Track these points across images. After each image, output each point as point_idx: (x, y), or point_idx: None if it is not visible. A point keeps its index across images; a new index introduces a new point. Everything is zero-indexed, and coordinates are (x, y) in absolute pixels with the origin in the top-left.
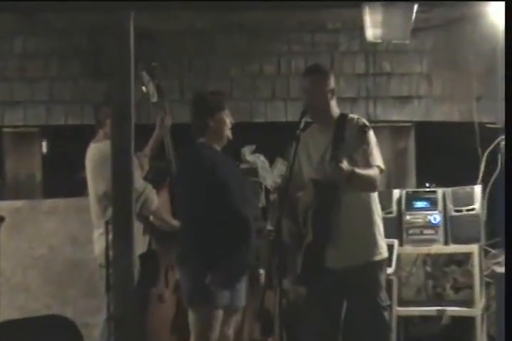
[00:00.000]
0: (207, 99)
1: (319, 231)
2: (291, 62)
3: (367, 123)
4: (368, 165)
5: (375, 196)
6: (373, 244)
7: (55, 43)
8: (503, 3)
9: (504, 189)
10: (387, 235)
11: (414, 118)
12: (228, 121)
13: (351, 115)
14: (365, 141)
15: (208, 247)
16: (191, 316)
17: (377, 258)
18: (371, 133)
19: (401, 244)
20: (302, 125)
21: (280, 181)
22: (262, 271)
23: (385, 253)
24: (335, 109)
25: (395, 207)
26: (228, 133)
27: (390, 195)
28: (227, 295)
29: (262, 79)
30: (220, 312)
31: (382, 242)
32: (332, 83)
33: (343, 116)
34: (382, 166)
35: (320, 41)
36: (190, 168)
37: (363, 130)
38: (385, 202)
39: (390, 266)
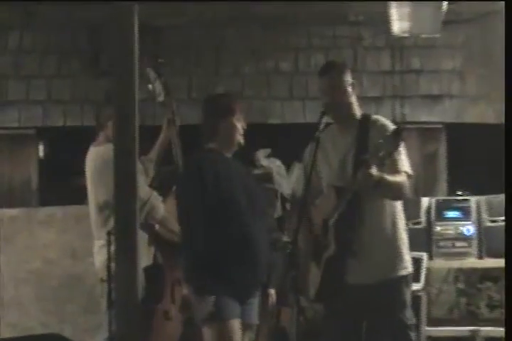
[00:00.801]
0: (216, 102)
1: (341, 243)
2: (310, 57)
3: (401, 125)
4: (396, 170)
5: (399, 204)
6: (398, 257)
7: (52, 38)
8: (503, 3)
9: (504, 188)
10: (415, 248)
11: (445, 120)
12: (240, 126)
13: (375, 116)
14: (396, 145)
15: (214, 263)
16: (208, 334)
17: (403, 272)
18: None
19: (430, 258)
20: (322, 126)
21: (297, 188)
22: (272, 291)
23: (410, 268)
24: (356, 109)
25: (423, 217)
26: (239, 138)
27: (418, 203)
28: (239, 310)
29: (277, 77)
30: (237, 324)
31: (408, 255)
32: (350, 78)
33: (365, 117)
34: (410, 172)
35: (342, 35)
36: (192, 180)
37: (396, 132)
38: (413, 211)
39: (418, 281)
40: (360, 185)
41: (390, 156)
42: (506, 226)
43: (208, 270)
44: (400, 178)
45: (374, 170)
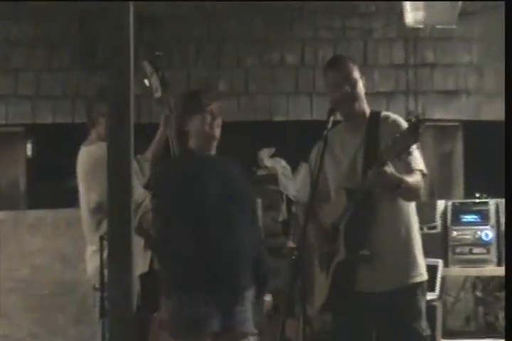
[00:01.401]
0: (184, 98)
1: (352, 248)
2: (318, 50)
3: (421, 117)
4: (410, 169)
5: (413, 207)
6: (412, 263)
7: (42, 29)
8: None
9: (505, 189)
10: (430, 254)
11: (461, 117)
12: (209, 118)
13: (385, 112)
14: (415, 139)
15: (187, 272)
16: None
17: (417, 279)
18: None
19: (446, 265)
20: (330, 124)
21: (302, 190)
22: (267, 298)
23: (425, 274)
24: (365, 106)
25: (439, 222)
26: (212, 132)
27: (434, 206)
28: (218, 321)
29: (283, 71)
30: (215, 334)
31: (422, 261)
32: (358, 74)
33: (375, 114)
34: (425, 170)
35: (351, 26)
36: (161, 185)
37: (415, 124)
38: (428, 215)
39: (433, 290)
40: (373, 184)
41: (408, 151)
42: (506, 226)
43: (181, 279)
44: (417, 178)
45: (389, 169)
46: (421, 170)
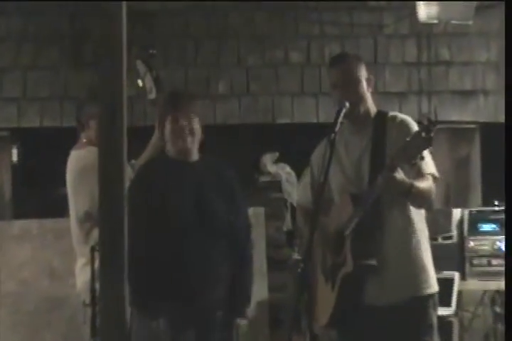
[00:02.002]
0: (162, 102)
1: (359, 258)
2: (324, 47)
3: (433, 119)
4: (420, 174)
5: (423, 214)
6: (423, 274)
7: (28, 25)
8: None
9: (505, 190)
10: (446, 266)
11: (479, 119)
12: (180, 125)
13: (392, 113)
14: (428, 143)
15: (154, 285)
16: None
17: (427, 291)
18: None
19: (463, 278)
20: (338, 126)
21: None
22: (243, 321)
23: (436, 286)
24: (371, 106)
25: (455, 231)
26: (180, 142)
27: (449, 215)
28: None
29: (287, 70)
30: None
31: (432, 272)
32: (365, 72)
33: (381, 115)
34: (437, 174)
35: (360, 22)
36: (134, 192)
37: (427, 127)
38: (443, 224)
39: (449, 305)
40: (382, 190)
41: (420, 157)
42: (506, 228)
43: (148, 292)
44: (428, 183)
45: (399, 174)
46: (432, 174)
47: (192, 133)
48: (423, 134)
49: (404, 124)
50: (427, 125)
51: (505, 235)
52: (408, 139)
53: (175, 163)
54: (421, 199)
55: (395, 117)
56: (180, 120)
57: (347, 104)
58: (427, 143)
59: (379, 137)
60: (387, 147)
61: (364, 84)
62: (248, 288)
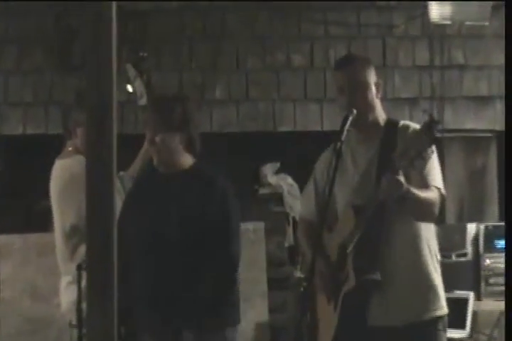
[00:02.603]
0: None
1: (362, 274)
2: (329, 50)
3: (435, 117)
4: (425, 184)
5: (432, 230)
6: (432, 294)
7: (12, 25)
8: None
9: (504, 191)
10: (460, 285)
11: (495, 127)
12: (147, 136)
13: (404, 122)
14: (429, 142)
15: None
16: None
17: (437, 313)
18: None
19: (478, 298)
20: (345, 135)
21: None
22: None
23: (445, 307)
24: (380, 113)
25: (469, 248)
26: (155, 155)
27: (464, 230)
28: None
29: (289, 74)
30: None
31: (442, 292)
32: (374, 76)
33: (391, 123)
34: (443, 190)
35: (368, 22)
36: (125, 215)
37: (428, 126)
38: (457, 240)
39: (463, 327)
40: (385, 194)
41: (421, 156)
42: (506, 230)
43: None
44: (430, 194)
45: (401, 178)
46: (438, 188)
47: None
48: (424, 132)
49: (419, 129)
50: (429, 122)
51: (506, 237)
52: (409, 138)
53: (160, 176)
54: (419, 209)
55: (406, 127)
56: (149, 128)
57: (354, 111)
58: (428, 142)
59: (388, 148)
60: (396, 156)
61: (373, 89)
62: (215, 310)
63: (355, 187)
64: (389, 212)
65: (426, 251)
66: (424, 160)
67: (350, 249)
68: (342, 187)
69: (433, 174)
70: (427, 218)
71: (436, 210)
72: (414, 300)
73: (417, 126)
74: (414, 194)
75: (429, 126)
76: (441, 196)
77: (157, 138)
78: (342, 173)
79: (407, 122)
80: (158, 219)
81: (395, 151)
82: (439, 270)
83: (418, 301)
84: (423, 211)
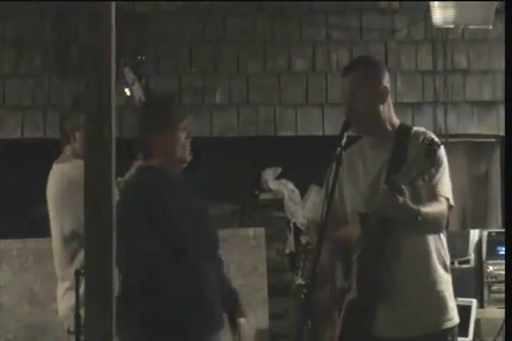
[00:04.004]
0: (149, 108)
1: (367, 284)
2: (331, 54)
3: (436, 138)
4: (434, 196)
5: (443, 236)
6: (441, 304)
7: (8, 28)
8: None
9: (505, 198)
10: (463, 293)
11: (499, 132)
12: (182, 136)
13: (417, 128)
14: (433, 161)
15: (150, 311)
16: None
17: (447, 325)
18: (442, 153)
19: (481, 305)
20: (344, 140)
21: (315, 217)
22: (242, 320)
23: (456, 318)
24: (391, 118)
25: (472, 255)
26: (182, 153)
27: (466, 237)
28: None
29: (290, 78)
30: None
31: (453, 302)
32: (384, 81)
33: (404, 129)
34: (452, 201)
35: (370, 26)
36: (125, 208)
37: (430, 148)
38: (460, 247)
39: (466, 335)
40: (379, 210)
41: (422, 177)
42: (507, 237)
43: (144, 318)
44: (440, 207)
45: (402, 199)
46: (447, 199)
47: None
48: (426, 155)
49: (426, 142)
50: (430, 145)
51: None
52: (411, 159)
53: (168, 176)
54: (430, 226)
55: (418, 134)
56: (188, 133)
57: (355, 117)
58: (429, 165)
59: (399, 154)
60: (407, 164)
61: (380, 94)
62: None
63: (364, 194)
64: (397, 223)
65: (434, 262)
66: (425, 181)
67: (354, 257)
68: (353, 195)
69: (442, 183)
70: (435, 231)
71: (445, 222)
72: (422, 312)
73: (430, 134)
74: (425, 215)
75: (431, 148)
76: (450, 206)
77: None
78: (353, 180)
79: (420, 129)
80: (189, 216)
81: (402, 166)
82: (449, 280)
83: (426, 313)
84: (432, 227)
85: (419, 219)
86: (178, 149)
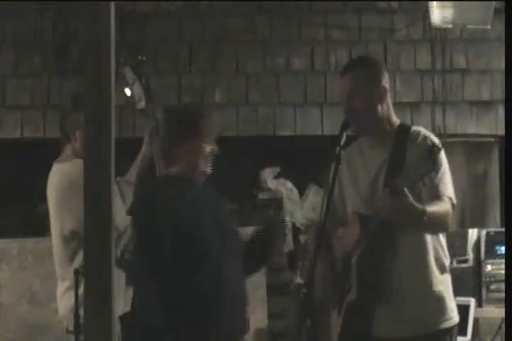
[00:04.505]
0: (177, 118)
1: (366, 284)
2: (330, 53)
3: (436, 141)
4: (437, 196)
5: (443, 237)
6: (440, 304)
7: (8, 27)
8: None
9: (505, 197)
10: (461, 292)
11: (497, 132)
12: (207, 149)
13: (416, 128)
14: (433, 165)
15: (174, 319)
16: None
17: (446, 324)
18: (442, 154)
19: (480, 305)
20: (344, 140)
21: (313, 216)
22: None
23: (455, 318)
24: (391, 118)
25: (471, 254)
26: (204, 166)
27: (465, 236)
28: None
29: (289, 77)
30: None
31: (452, 302)
32: (383, 81)
33: (403, 128)
34: (454, 200)
35: (369, 25)
36: (146, 216)
37: (431, 150)
38: (458, 246)
39: (464, 334)
40: (381, 212)
41: (423, 180)
42: (507, 236)
43: (170, 328)
44: (444, 207)
45: (407, 199)
46: (450, 198)
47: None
48: (427, 158)
49: (426, 142)
50: (431, 148)
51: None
52: (411, 162)
53: (189, 184)
54: (435, 225)
55: (418, 133)
56: (214, 147)
57: (354, 117)
58: (429, 168)
59: (398, 153)
60: (406, 164)
61: (379, 93)
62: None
63: (364, 194)
64: (396, 225)
65: (433, 262)
66: (425, 184)
67: (354, 258)
68: (352, 196)
69: (444, 183)
70: (440, 231)
71: (450, 221)
72: (421, 312)
73: (428, 133)
74: (431, 214)
75: (432, 151)
76: (453, 206)
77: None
78: (353, 179)
79: (419, 128)
80: (212, 225)
81: (406, 164)
82: (448, 280)
83: (425, 313)
84: (438, 226)
85: (425, 218)
86: (201, 162)
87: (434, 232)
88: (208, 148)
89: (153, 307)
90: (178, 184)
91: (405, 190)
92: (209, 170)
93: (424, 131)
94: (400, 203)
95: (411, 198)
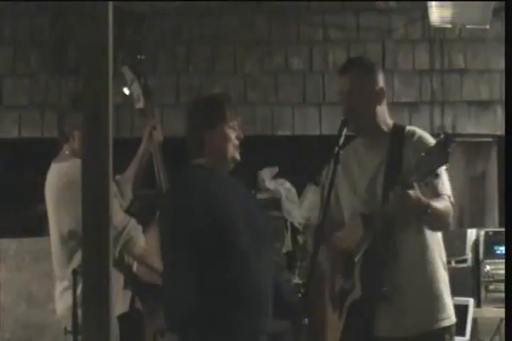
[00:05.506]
0: (202, 106)
1: (369, 284)
2: (328, 53)
3: (432, 139)
4: (436, 193)
5: (440, 239)
6: (439, 304)
7: (6, 26)
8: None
9: (505, 197)
10: (460, 292)
11: (496, 132)
12: (234, 136)
13: (410, 127)
14: (443, 160)
15: (204, 309)
16: None
17: (445, 323)
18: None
19: (478, 305)
20: (342, 140)
21: (311, 217)
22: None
23: (453, 317)
24: (386, 119)
25: (469, 254)
26: (234, 152)
27: (463, 236)
28: None
29: (287, 77)
30: None
31: (450, 302)
32: (381, 82)
33: (398, 129)
34: (452, 198)
35: (367, 25)
36: (177, 206)
37: (443, 143)
38: (457, 246)
39: (463, 334)
40: (394, 209)
41: (434, 174)
42: (507, 236)
43: (198, 317)
44: (446, 204)
45: (414, 192)
46: (449, 197)
47: None
48: (438, 151)
49: (421, 141)
50: (443, 140)
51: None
52: (423, 154)
53: (217, 175)
54: (438, 220)
55: (413, 133)
56: (240, 133)
57: (353, 117)
58: (442, 160)
59: (395, 154)
60: (403, 165)
61: (376, 94)
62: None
63: (361, 195)
64: (398, 223)
65: (433, 261)
66: (437, 177)
67: (357, 258)
68: (348, 195)
69: (442, 182)
70: (442, 228)
71: (451, 219)
72: (422, 312)
73: (423, 133)
74: (434, 208)
75: (444, 144)
76: (452, 204)
77: None
78: (348, 180)
79: (414, 128)
80: (244, 215)
81: (403, 163)
82: (446, 279)
83: (425, 312)
84: (441, 222)
85: (430, 211)
86: (229, 148)
87: (436, 229)
88: (233, 135)
89: (184, 297)
90: (208, 173)
91: (415, 184)
92: (237, 156)
93: (418, 130)
94: (410, 198)
95: (419, 191)
